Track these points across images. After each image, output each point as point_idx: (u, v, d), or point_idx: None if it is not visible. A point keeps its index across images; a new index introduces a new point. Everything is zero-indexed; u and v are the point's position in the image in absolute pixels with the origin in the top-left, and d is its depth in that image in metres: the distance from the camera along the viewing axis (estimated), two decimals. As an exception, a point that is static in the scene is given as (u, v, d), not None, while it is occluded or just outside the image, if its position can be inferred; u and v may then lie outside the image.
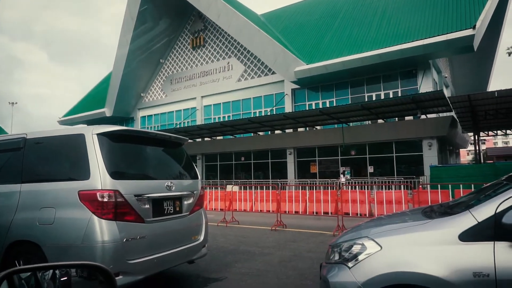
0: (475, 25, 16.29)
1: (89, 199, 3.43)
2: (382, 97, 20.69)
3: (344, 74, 20.98)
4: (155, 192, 3.94)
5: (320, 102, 23.34)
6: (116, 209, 3.48)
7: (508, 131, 26.30)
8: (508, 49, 14.66)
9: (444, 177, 14.22)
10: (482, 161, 27.21)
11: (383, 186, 13.51)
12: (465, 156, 66.71)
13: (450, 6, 19.20)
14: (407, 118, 20.07)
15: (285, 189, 15.46)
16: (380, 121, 20.60)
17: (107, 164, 3.55)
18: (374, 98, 20.80)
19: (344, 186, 13.07)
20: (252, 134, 25.31)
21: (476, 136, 22.12)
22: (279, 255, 6.30)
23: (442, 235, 2.44)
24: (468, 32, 16.35)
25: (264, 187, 13.68)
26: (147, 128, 33.15)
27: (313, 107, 22.79)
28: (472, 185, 9.98)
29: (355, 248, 2.70)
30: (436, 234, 2.47)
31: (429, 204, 9.24)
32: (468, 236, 2.36)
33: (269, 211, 12.19)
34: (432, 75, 20.28)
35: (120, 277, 3.40)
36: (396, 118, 20.48)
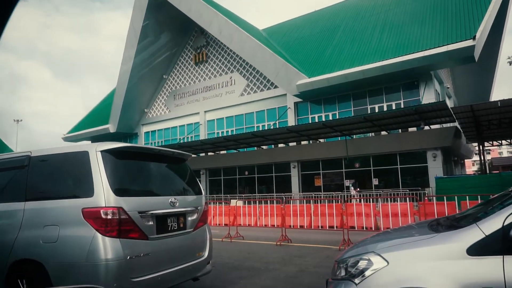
0: (475, 35, 16.38)
1: (92, 216, 3.42)
2: (385, 109, 20.70)
3: (346, 87, 21.07)
4: (159, 208, 3.92)
5: (323, 115, 23.38)
6: (120, 226, 3.46)
7: (513, 141, 26.13)
8: (509, 58, 14.70)
9: (450, 189, 14.10)
10: (487, 171, 27.00)
11: (388, 198, 13.40)
12: (471, 166, 66.22)
13: (449, 17, 19.35)
14: (410, 129, 20.03)
15: (290, 203, 15.36)
16: (383, 133, 20.57)
17: (111, 181, 3.55)
18: (376, 110, 20.82)
19: (356, 199, 12.97)
20: (255, 148, 25.30)
21: (481, 146, 22.01)
22: (285, 271, 6.21)
23: (450, 249, 2.40)
24: (468, 42, 16.43)
25: (269, 201, 13.61)
26: (151, 143, 33.27)
27: (316, 120, 22.81)
28: (479, 196, 9.87)
29: (362, 264, 2.66)
30: (443, 248, 2.43)
31: (436, 216, 9.15)
32: (476, 250, 2.31)
33: (274, 225, 12.09)
34: (434, 86, 20.32)
35: (124, 295, 3.36)
36: (400, 130, 20.44)
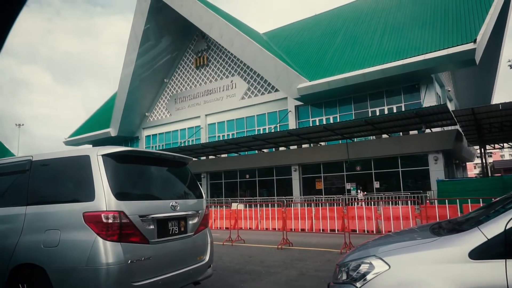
0: (476, 39, 16.40)
1: (94, 220, 3.42)
2: (386, 112, 20.70)
3: (347, 90, 21.09)
4: (160, 212, 3.92)
5: (324, 118, 23.39)
6: (121, 230, 3.46)
7: (515, 144, 26.08)
8: (509, 61, 14.71)
9: (452, 192, 14.06)
10: (489, 175, 26.94)
11: (390, 201, 13.37)
12: (472, 169, 66.08)
13: (450, 21, 19.39)
14: (411, 132, 20.02)
15: (291, 206, 15.34)
16: (384, 136, 20.55)
17: (112, 185, 3.55)
18: (377, 113, 20.82)
19: (362, 203, 12.96)
20: (256, 151, 25.31)
21: (482, 149, 21.98)
22: (286, 275, 6.20)
23: (452, 253, 2.39)
24: (469, 46, 16.45)
25: (270, 204, 13.60)
26: (152, 147, 33.31)
27: (317, 124, 22.82)
28: (481, 199, 9.84)
29: (363, 267, 2.65)
30: (445, 252, 2.43)
31: (437, 219, 9.12)
32: (478, 254, 2.31)
33: (275, 229, 12.06)
34: (435, 89, 20.32)
35: (125, 300, 3.35)
36: (401, 133, 20.43)
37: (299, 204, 17.83)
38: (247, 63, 25.81)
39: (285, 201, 16.94)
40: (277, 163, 24.21)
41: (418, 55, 17.94)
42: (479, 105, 17.94)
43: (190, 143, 29.03)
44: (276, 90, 25.01)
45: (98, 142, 34.83)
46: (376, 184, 20.59)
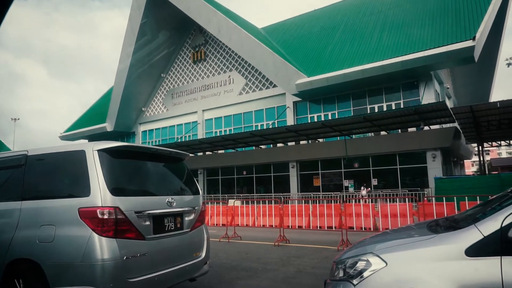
0: (475, 36, 16.42)
1: (89, 216, 3.42)
2: (385, 108, 20.74)
3: (345, 86, 21.09)
4: (156, 208, 3.92)
5: (322, 114, 23.41)
6: (117, 226, 3.46)
7: (513, 142, 26.22)
8: (507, 60, 14.74)
9: (449, 189, 14.14)
10: (486, 172, 27.08)
11: (388, 199, 13.43)
12: (470, 167, 66.39)
13: (449, 18, 19.39)
14: (410, 129, 20.08)
15: (288, 203, 15.37)
16: (383, 133, 20.60)
17: (108, 181, 3.55)
18: (376, 110, 20.86)
19: (365, 200, 13.00)
20: (254, 147, 25.31)
21: (480, 147, 22.08)
22: (283, 272, 6.22)
23: (448, 250, 2.41)
24: (468, 43, 16.48)
25: (267, 201, 13.62)
26: (148, 142, 33.25)
27: (315, 120, 22.84)
28: (478, 197, 9.90)
29: (360, 265, 2.67)
30: (442, 249, 2.44)
31: (435, 217, 9.17)
32: (474, 251, 2.33)
33: (272, 226, 12.09)
34: (434, 86, 20.36)
35: (121, 296, 3.36)
36: (399, 130, 20.49)
37: (296, 201, 17.88)
38: (245, 58, 25.74)
39: (283, 198, 16.97)
40: (274, 160, 24.23)
41: (418, 52, 17.95)
42: (477, 102, 18.01)
43: (187, 139, 29.00)
44: (274, 86, 24.99)
45: (94, 137, 34.73)
46: (374, 181, 20.68)
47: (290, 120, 24.07)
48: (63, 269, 3.38)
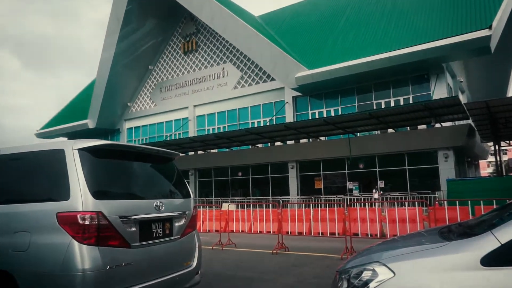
0: (491, 25, 16.46)
1: (68, 222, 3.39)
2: (392, 104, 20.79)
3: (350, 80, 21.12)
4: (143, 213, 3.90)
5: (324, 110, 23.43)
6: (99, 233, 3.44)
7: (531, 140, 26.36)
8: None
9: (463, 192, 14.20)
10: (504, 173, 27.21)
11: (395, 202, 13.46)
12: (486, 168, 66.70)
13: (463, 5, 19.43)
14: (420, 127, 20.14)
15: (287, 207, 15.38)
16: (390, 130, 20.65)
17: (89, 183, 3.52)
18: (383, 106, 20.90)
19: (378, 204, 13.00)
20: (250, 146, 25.30)
21: (497, 146, 22.16)
22: (282, 282, 6.22)
23: (462, 259, 2.41)
24: (484, 32, 16.50)
25: (264, 205, 13.60)
26: (134, 141, 33.15)
27: (317, 116, 22.86)
28: (494, 201, 9.94)
29: (365, 275, 2.66)
30: (455, 258, 2.44)
31: (447, 222, 9.20)
32: (491, 260, 2.32)
33: (270, 232, 12.10)
34: (446, 80, 20.42)
35: (103, 309, 3.34)
36: (408, 127, 20.54)
37: (296, 204, 17.87)
38: (240, 49, 25.71)
39: (281, 202, 16.97)
40: (272, 160, 24.24)
41: (428, 42, 17.97)
42: (493, 97, 18.08)
43: (177, 137, 28.95)
44: (272, 79, 24.98)
45: (74, 135, 34.59)
46: (381, 184, 20.73)
47: (289, 117, 24.09)
48: (40, 281, 3.35)
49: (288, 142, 23.96)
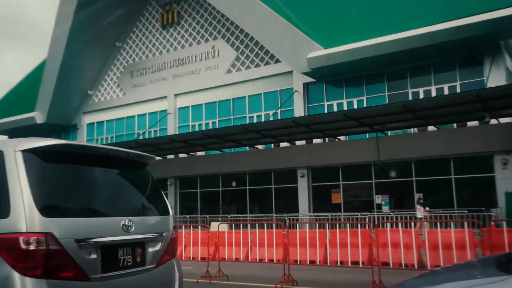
0: None
1: (7, 246, 3.35)
2: (433, 94, 20.78)
3: (378, 63, 21.10)
4: (106, 235, 3.87)
5: (345, 101, 23.42)
6: (48, 262, 3.40)
7: None
8: None
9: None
10: None
11: (438, 223, 13.42)
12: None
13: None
14: (470, 123, 20.14)
15: (296, 228, 15.37)
16: (430, 128, 20.63)
17: (36, 195, 3.49)
18: (421, 96, 20.90)
19: (424, 226, 12.92)
20: (247, 148, 25.29)
21: None
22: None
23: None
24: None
25: (265, 225, 13.58)
26: (96, 140, 33.15)
27: (335, 109, 22.86)
28: None
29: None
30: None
31: (507, 249, 9.18)
32: None
33: (273, 260, 12.08)
34: (505, 63, 20.40)
35: None
36: (455, 124, 20.55)
37: (307, 224, 17.85)
38: (236, 22, 25.71)
39: (288, 220, 16.94)
40: (276, 166, 24.21)
41: (481, 13, 17.97)
42: None
43: (152, 135, 28.95)
44: (278, 61, 24.98)
45: (17, 132, 34.54)
46: (419, 197, 20.65)
47: (299, 110, 24.08)
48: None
49: (297, 143, 23.95)
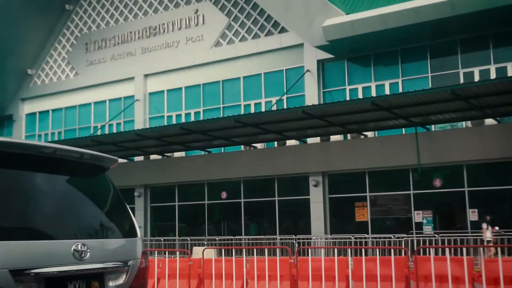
0: None
1: None
2: (492, 76, 20.79)
3: (417, 33, 21.13)
4: (52, 264, 3.86)
5: (373, 85, 23.45)
6: (-27, 301, 3.41)
7: None
8: None
9: None
10: None
11: (500, 248, 13.41)
12: None
13: None
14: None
15: (307, 255, 15.41)
16: (489, 121, 20.65)
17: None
18: (476, 79, 20.88)
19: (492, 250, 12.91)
20: (242, 147, 25.32)
21: None
22: None
23: None
24: None
25: (266, 250, 13.57)
26: (39, 136, 33.21)
27: (359, 96, 22.88)
28: None
29: None
30: None
31: None
32: None
33: (277, 297, 12.11)
34: None
35: None
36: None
37: (322, 250, 17.85)
38: (226, -23, 25.78)
39: (296, 245, 16.91)
40: (281, 171, 24.24)
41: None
42: None
43: (114, 130, 28.98)
44: (283, 31, 25.02)
45: None
46: (472, 214, 20.68)
47: (311, 96, 24.10)
48: None
49: (309, 140, 24.01)
